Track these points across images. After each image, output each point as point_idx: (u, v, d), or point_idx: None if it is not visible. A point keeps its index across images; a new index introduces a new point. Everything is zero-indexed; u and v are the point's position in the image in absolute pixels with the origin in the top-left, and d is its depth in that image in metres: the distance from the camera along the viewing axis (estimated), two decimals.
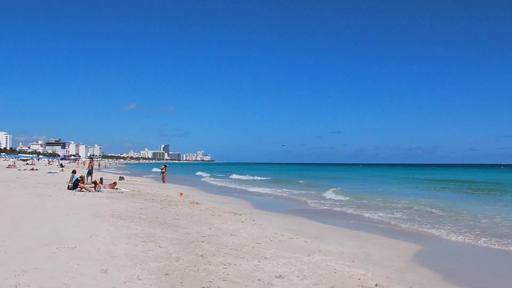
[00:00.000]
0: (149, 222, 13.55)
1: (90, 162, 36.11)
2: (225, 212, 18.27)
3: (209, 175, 74.71)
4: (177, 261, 8.67)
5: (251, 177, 63.12)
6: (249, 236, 12.37)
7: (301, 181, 52.55)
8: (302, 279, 8.14)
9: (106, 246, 9.50)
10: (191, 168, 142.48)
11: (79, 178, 24.97)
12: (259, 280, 7.83)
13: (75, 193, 22.73)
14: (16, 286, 6.47)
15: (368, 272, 9.26)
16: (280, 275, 8.20)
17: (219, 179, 60.48)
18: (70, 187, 24.59)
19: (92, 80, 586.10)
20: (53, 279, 6.92)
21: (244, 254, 9.83)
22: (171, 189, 31.54)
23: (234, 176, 69.23)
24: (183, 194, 25.87)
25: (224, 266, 8.54)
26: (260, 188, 39.93)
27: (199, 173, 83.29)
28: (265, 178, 60.63)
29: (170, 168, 50.53)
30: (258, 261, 9.25)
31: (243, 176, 66.62)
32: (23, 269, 7.34)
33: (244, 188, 41.27)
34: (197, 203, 21.09)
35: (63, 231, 10.98)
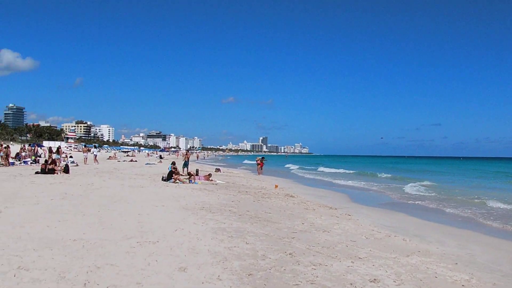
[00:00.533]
0: (239, 215, 12.96)
1: (186, 154, 36.68)
2: (319, 206, 17.36)
3: (297, 167, 74.02)
4: (263, 259, 7.90)
5: (338, 170, 61.42)
6: (343, 233, 11.38)
7: (389, 175, 49.97)
8: (399, 285, 7.09)
9: (190, 241, 8.96)
10: (281, 160, 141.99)
11: (173, 169, 25.13)
12: (351, 284, 6.87)
13: (169, 184, 22.82)
14: (85, 284, 6.02)
15: (473, 278, 7.97)
16: (374, 279, 7.20)
17: (306, 171, 59.58)
18: (164, 178, 24.81)
19: (193, 74, 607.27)
20: (126, 277, 6.42)
21: (336, 253, 8.88)
22: (266, 181, 31.08)
23: (321, 168, 68.31)
24: (278, 187, 25.23)
25: (314, 267, 7.65)
26: (343, 181, 38.77)
27: (288, 165, 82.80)
28: (351, 172, 58.43)
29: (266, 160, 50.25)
30: (351, 261, 8.27)
31: (330, 169, 65.32)
32: (98, 264, 6.93)
33: (329, 180, 40.08)
34: (291, 196, 20.35)
35: (148, 224, 10.62)
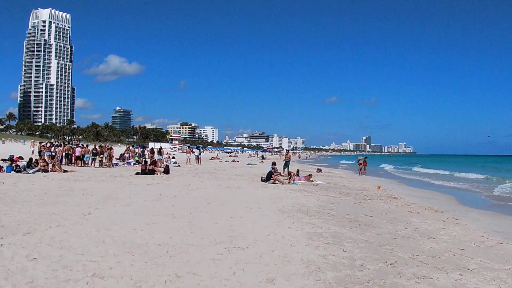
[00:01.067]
0: (338, 219, 12.06)
1: (287, 154, 36.09)
2: (424, 209, 15.99)
3: (392, 167, 70.94)
4: (361, 270, 7.00)
5: (436, 171, 57.66)
6: (450, 240, 10.11)
7: (493, 176, 45.82)
8: None
9: (282, 248, 8.26)
10: (382, 160, 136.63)
11: (272, 170, 24.63)
12: None
13: (267, 185, 22.32)
14: None
15: None
16: None
17: (400, 171, 56.98)
18: (263, 179, 24.38)
19: (296, 74, 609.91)
20: None
21: (443, 263, 7.75)
22: (368, 182, 29.75)
23: (416, 169, 65.34)
24: (380, 188, 23.91)
25: (417, 280, 6.63)
26: (445, 182, 36.14)
27: (383, 165, 79.51)
28: (446, 172, 54.32)
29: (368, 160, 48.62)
30: (459, 274, 7.13)
31: (426, 169, 61.78)
32: (179, 273, 6.42)
33: (432, 181, 37.58)
34: (394, 198, 19.06)
35: (240, 227, 10.06)
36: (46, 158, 34.34)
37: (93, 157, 35.35)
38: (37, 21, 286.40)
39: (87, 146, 38.69)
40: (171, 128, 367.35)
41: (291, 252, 7.97)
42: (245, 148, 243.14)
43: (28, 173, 25.86)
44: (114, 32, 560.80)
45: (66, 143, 40.99)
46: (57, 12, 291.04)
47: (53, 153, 35.17)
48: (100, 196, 14.89)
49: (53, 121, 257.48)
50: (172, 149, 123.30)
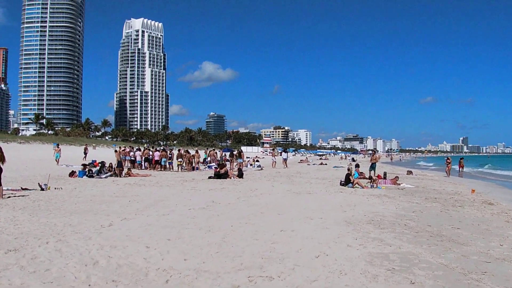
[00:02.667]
0: (416, 233, 9.66)
1: (373, 156, 33.35)
2: None
3: (490, 168, 65.00)
4: None
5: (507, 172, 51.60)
6: None
7: None
8: None
9: (327, 277, 6.18)
10: (477, 161, 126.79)
11: (348, 172, 22.28)
12: None
13: (345, 189, 20.02)
14: None
15: None
16: None
17: (499, 173, 51.71)
18: (342, 182, 22.10)
19: (389, 75, 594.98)
20: None
21: None
22: (463, 185, 26.30)
23: (486, 169, 59.71)
24: (475, 191, 20.66)
25: None
26: None
27: (479, 167, 72.71)
28: None
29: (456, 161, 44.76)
30: None
31: (499, 171, 55.72)
32: None
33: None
34: (490, 204, 15.93)
35: (284, 246, 8.04)
36: (124, 163, 34.40)
37: (169, 161, 34.92)
38: (130, 31, 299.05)
39: (178, 150, 38.22)
40: (265, 132, 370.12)
41: (336, 285, 5.85)
42: (338, 151, 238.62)
43: (101, 177, 25.35)
44: (208, 40, 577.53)
45: (150, 148, 40.51)
46: (149, 21, 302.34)
47: (132, 158, 35.02)
48: (145, 203, 13.48)
49: (148, 127, 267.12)
50: (263, 152, 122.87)
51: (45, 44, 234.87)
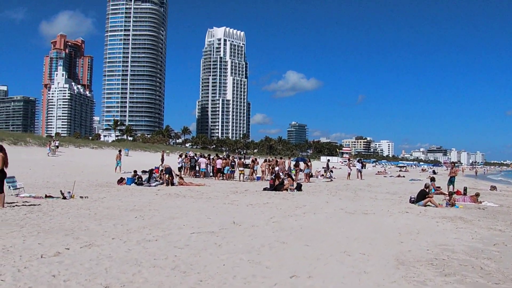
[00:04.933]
0: (496, 284, 6.45)
1: (452, 168, 29.20)
2: None
3: None
4: None
5: None
6: None
7: None
8: None
9: None
10: None
11: (424, 189, 18.76)
12: None
13: (413, 208, 16.59)
14: None
15: None
16: None
17: None
18: (412, 199, 18.64)
19: (474, 85, 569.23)
20: None
21: None
22: None
23: None
24: None
25: None
26: None
27: None
28: None
29: None
30: None
31: None
32: None
33: None
34: None
35: None
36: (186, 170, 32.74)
37: (232, 169, 32.79)
38: (212, 39, 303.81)
39: (255, 159, 35.89)
40: (346, 142, 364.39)
41: None
42: (420, 163, 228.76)
43: (150, 185, 23.46)
44: (292, 49, 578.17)
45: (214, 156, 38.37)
46: (231, 30, 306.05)
47: (180, 165, 33.21)
48: (152, 221, 11.04)
49: (229, 135, 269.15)
50: (342, 163, 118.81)
51: (128, 53, 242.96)
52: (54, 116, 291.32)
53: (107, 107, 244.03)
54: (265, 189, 23.37)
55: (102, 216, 11.70)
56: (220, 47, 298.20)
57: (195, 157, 35.10)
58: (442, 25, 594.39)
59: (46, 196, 15.81)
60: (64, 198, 15.70)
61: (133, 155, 61.93)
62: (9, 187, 15.32)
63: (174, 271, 6.44)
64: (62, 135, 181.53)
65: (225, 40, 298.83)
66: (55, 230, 9.39)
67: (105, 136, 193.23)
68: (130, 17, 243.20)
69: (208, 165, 34.24)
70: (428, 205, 17.37)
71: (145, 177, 25.41)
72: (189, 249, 7.95)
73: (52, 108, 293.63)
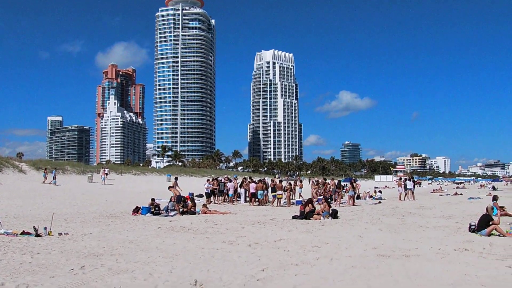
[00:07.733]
0: None
1: None
2: None
3: None
4: None
5: None
6: None
7: None
8: None
9: None
10: None
11: (486, 213, 14.77)
12: None
13: (474, 240, 12.75)
14: None
15: None
16: None
17: None
18: (472, 227, 14.64)
19: None
20: None
21: None
22: None
23: None
24: None
25: None
26: None
27: None
28: None
29: None
30: None
31: None
32: None
33: None
34: None
35: None
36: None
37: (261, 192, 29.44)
38: (261, 62, 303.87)
39: (295, 182, 32.64)
40: (401, 160, 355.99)
41: None
42: (478, 178, 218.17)
43: (169, 215, 20.64)
44: (345, 69, 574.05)
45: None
46: (280, 52, 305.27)
47: (207, 190, 30.13)
48: (80, 278, 7.75)
49: (282, 157, 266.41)
50: (395, 182, 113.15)
51: (177, 79, 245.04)
52: (107, 144, 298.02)
53: (159, 134, 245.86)
54: (293, 217, 19.90)
55: (39, 265, 8.65)
56: (269, 70, 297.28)
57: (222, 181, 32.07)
58: (497, 39, 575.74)
59: (23, 233, 13.24)
60: (38, 235, 12.98)
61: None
62: None
63: None
64: (115, 162, 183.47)
65: (274, 63, 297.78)
66: None
67: (156, 162, 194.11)
68: (178, 44, 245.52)
69: (240, 189, 31.26)
70: (493, 234, 13.48)
71: (164, 205, 22.61)
72: None
73: (105, 136, 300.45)
